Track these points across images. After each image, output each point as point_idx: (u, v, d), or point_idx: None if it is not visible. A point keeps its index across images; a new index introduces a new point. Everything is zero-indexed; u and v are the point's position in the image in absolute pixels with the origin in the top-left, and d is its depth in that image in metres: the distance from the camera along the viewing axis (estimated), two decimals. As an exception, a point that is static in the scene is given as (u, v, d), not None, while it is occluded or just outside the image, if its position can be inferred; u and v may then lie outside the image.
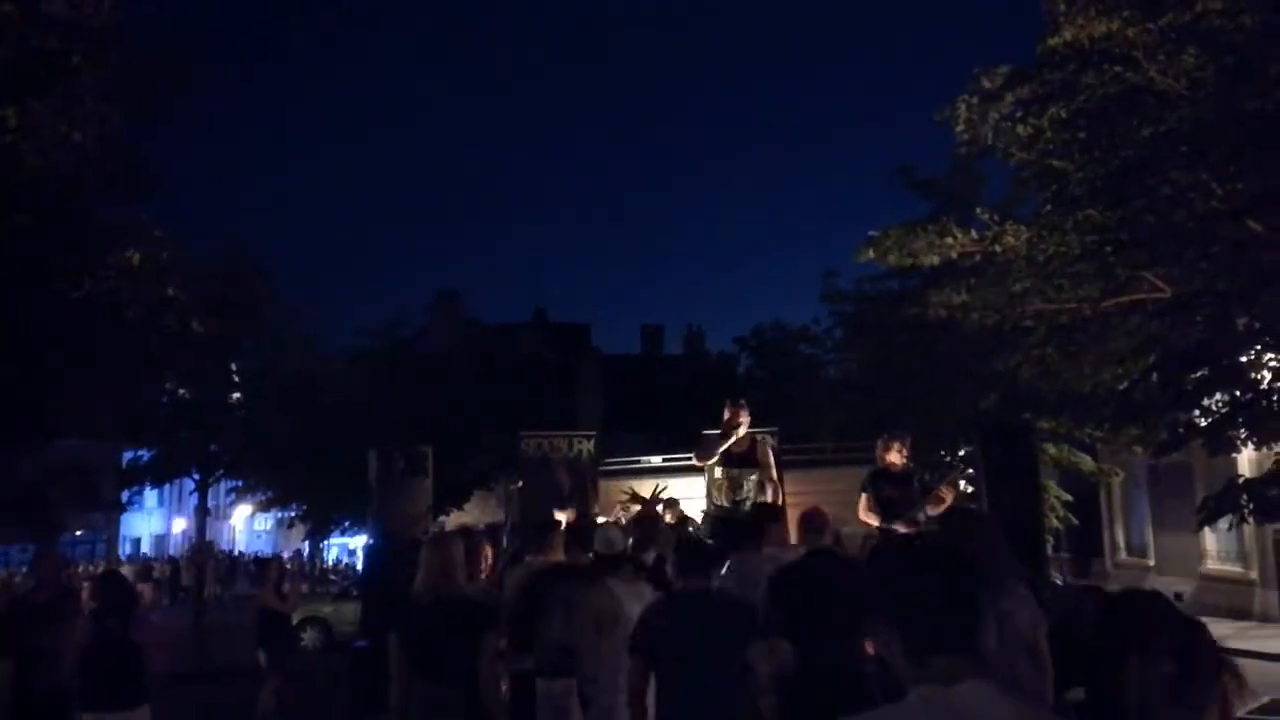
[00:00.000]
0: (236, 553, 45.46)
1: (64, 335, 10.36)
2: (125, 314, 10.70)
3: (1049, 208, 10.38)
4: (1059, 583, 12.99)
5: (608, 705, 5.07)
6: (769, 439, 8.73)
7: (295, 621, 15.86)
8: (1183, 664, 1.87)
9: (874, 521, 7.18)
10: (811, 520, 5.52)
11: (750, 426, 8.40)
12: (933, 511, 7.33)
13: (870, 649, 5.16)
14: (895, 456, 7.53)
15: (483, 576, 6.66)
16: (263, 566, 16.90)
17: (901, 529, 7.02)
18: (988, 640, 1.65)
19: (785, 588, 5.18)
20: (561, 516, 8.08)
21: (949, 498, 7.79)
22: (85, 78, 9.20)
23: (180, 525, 45.83)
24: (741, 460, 8.02)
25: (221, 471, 20.18)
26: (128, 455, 20.93)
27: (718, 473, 8.02)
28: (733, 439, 7.87)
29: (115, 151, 10.18)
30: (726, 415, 8.05)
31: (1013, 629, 3.99)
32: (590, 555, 5.92)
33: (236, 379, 19.10)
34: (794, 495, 9.14)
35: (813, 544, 5.38)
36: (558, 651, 5.61)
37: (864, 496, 7.31)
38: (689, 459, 9.29)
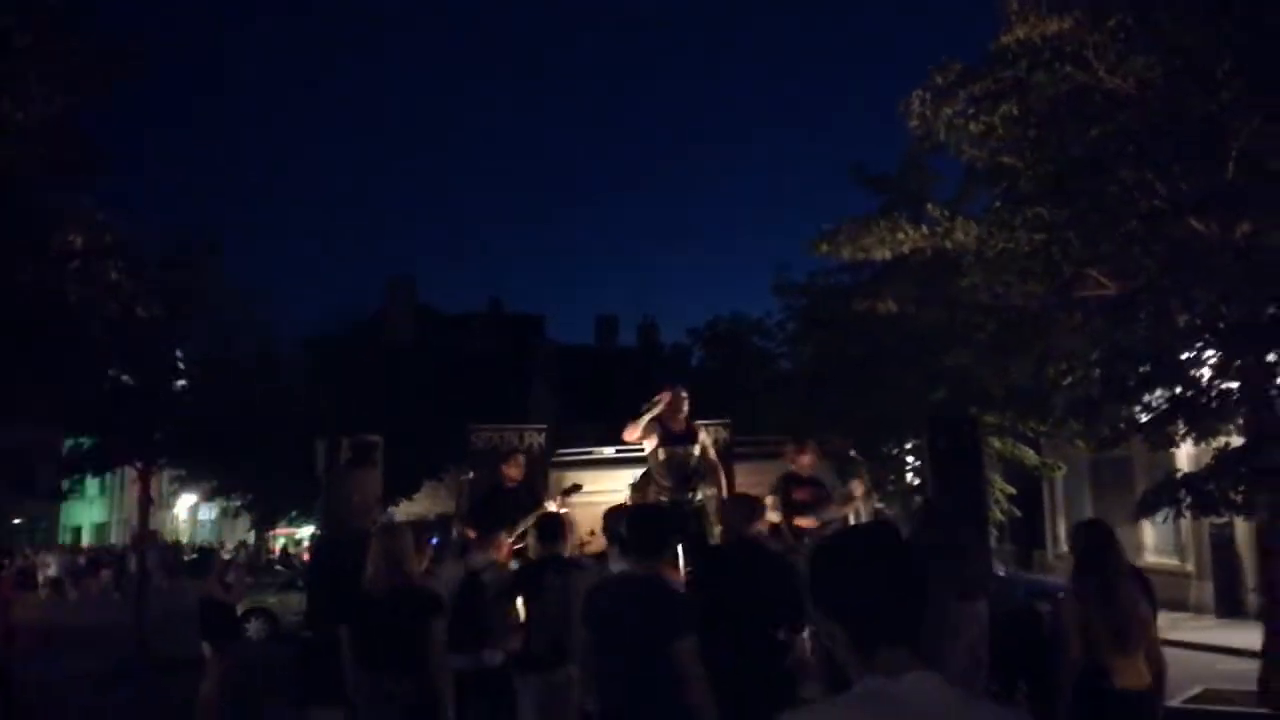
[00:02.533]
0: (182, 541, 44.76)
1: (3, 321, 10.11)
2: (67, 299, 10.45)
3: (999, 204, 10.51)
4: (1002, 574, 13.20)
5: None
6: (718, 429, 8.77)
7: (240, 612, 15.68)
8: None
9: (776, 519, 7.31)
10: (738, 507, 5.61)
11: (703, 418, 8.45)
12: (840, 511, 7.58)
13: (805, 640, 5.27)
14: (806, 460, 7.82)
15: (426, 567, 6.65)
16: (206, 557, 16.67)
17: (804, 524, 7.28)
18: (937, 634, 1.67)
19: (707, 575, 5.22)
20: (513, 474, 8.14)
21: (859, 494, 8.04)
22: (30, 58, 8.94)
23: (121, 513, 45.02)
24: (682, 438, 8.05)
25: (164, 460, 19.82)
26: (68, 442, 20.50)
27: (661, 454, 8.03)
28: (657, 409, 7.88)
29: (60, 134, 9.92)
30: (664, 396, 8.06)
31: (966, 625, 4.08)
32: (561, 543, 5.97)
33: (182, 366, 18.76)
34: (746, 487, 9.18)
35: (740, 532, 5.45)
36: (550, 643, 5.61)
37: (770, 499, 7.42)
38: (640, 451, 9.30)
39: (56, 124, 9.78)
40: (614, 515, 6.19)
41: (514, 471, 8.53)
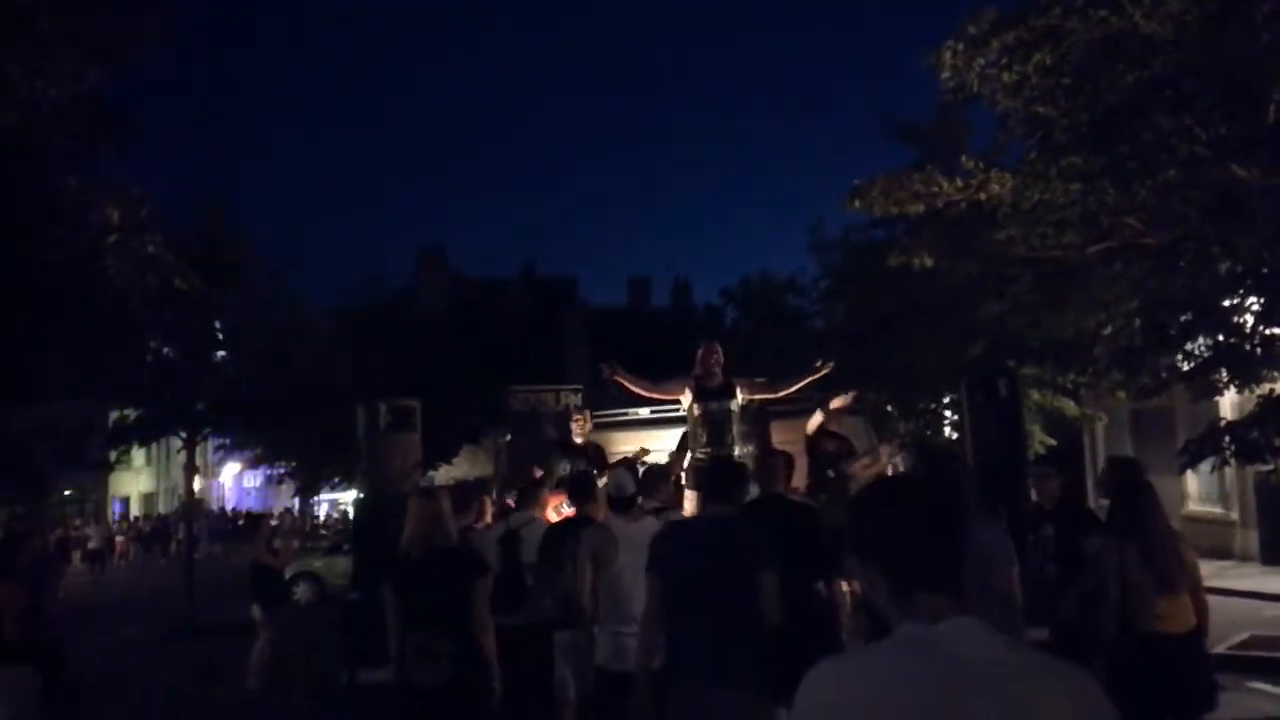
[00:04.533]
0: (229, 509, 45.58)
1: (45, 297, 10.27)
2: (107, 273, 10.60)
3: (1034, 155, 10.35)
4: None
5: (612, 637, 5.15)
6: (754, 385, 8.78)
7: (288, 576, 15.98)
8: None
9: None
10: (768, 464, 5.70)
11: (735, 375, 8.47)
12: (868, 467, 7.62)
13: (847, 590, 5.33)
14: (820, 417, 7.95)
15: (480, 528, 6.76)
16: (253, 523, 16.97)
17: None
18: (969, 580, 1.69)
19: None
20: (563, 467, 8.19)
21: (885, 455, 8.12)
22: (55, 31, 8.99)
23: (168, 483, 45.84)
24: (718, 393, 8.07)
25: (208, 430, 20.14)
26: (114, 415, 20.87)
27: (696, 410, 8.06)
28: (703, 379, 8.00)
29: (90, 110, 10.00)
30: (700, 356, 8.15)
31: (989, 570, 4.09)
32: (592, 503, 6.04)
33: (220, 337, 19.00)
34: (781, 444, 9.19)
35: (770, 488, 5.53)
36: (568, 602, 5.71)
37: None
38: (676, 410, 9.34)
39: (87, 100, 9.85)
40: (613, 472, 6.21)
41: (579, 428, 8.61)
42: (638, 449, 9.09)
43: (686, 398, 8.14)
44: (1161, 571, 4.80)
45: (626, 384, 8.54)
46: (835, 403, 8.07)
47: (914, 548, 1.70)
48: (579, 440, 8.57)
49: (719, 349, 8.27)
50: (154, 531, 37.46)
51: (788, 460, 5.87)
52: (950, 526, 1.74)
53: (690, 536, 4.59)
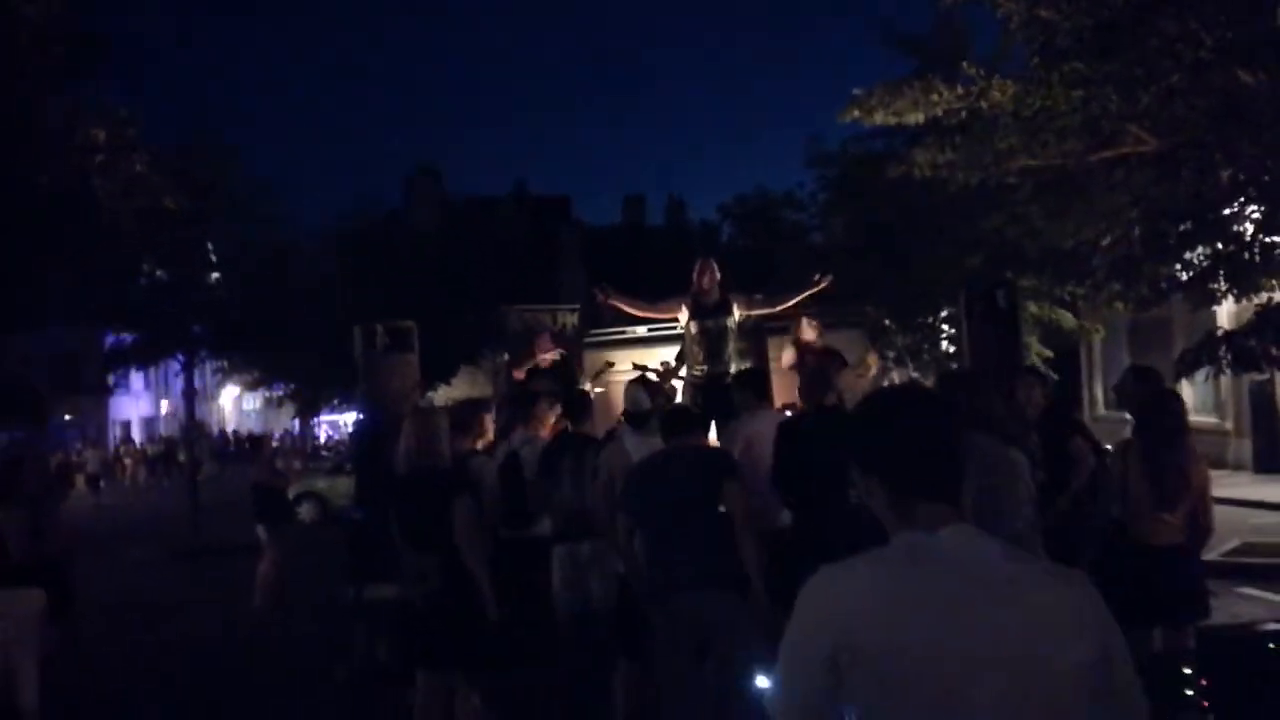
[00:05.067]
0: (229, 431, 45.88)
1: (35, 220, 10.15)
2: (95, 195, 10.46)
3: (1036, 61, 10.13)
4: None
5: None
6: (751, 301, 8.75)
7: (291, 496, 16.14)
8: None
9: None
10: (816, 377, 5.73)
11: (732, 292, 8.42)
12: (855, 381, 7.61)
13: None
14: (811, 334, 7.90)
15: (479, 446, 6.79)
16: (255, 444, 17.07)
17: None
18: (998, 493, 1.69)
19: (790, 442, 5.37)
20: (547, 357, 8.23)
21: (873, 368, 8.14)
22: None
23: (167, 407, 46.06)
24: (715, 310, 8.04)
25: (205, 353, 20.13)
26: (110, 340, 20.84)
27: (693, 328, 8.04)
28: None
29: (69, 25, 9.76)
30: (695, 272, 8.11)
31: (1021, 484, 4.11)
32: (589, 420, 6.09)
33: (214, 259, 18.89)
34: (780, 360, 9.20)
35: (818, 400, 5.57)
36: (569, 518, 5.78)
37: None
38: (673, 328, 9.31)
39: (66, 16, 9.62)
40: (629, 388, 6.25)
41: (545, 349, 8.61)
42: (603, 362, 9.14)
43: (683, 315, 8.11)
44: (1161, 482, 4.79)
45: (623, 305, 8.52)
46: (806, 334, 8.05)
47: (912, 457, 1.69)
48: (546, 363, 8.57)
49: (714, 265, 8.22)
50: (159, 454, 37.73)
51: (827, 373, 5.92)
52: (946, 435, 1.73)
53: (659, 470, 4.78)
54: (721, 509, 4.65)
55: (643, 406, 5.71)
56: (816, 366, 6.18)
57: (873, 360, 8.23)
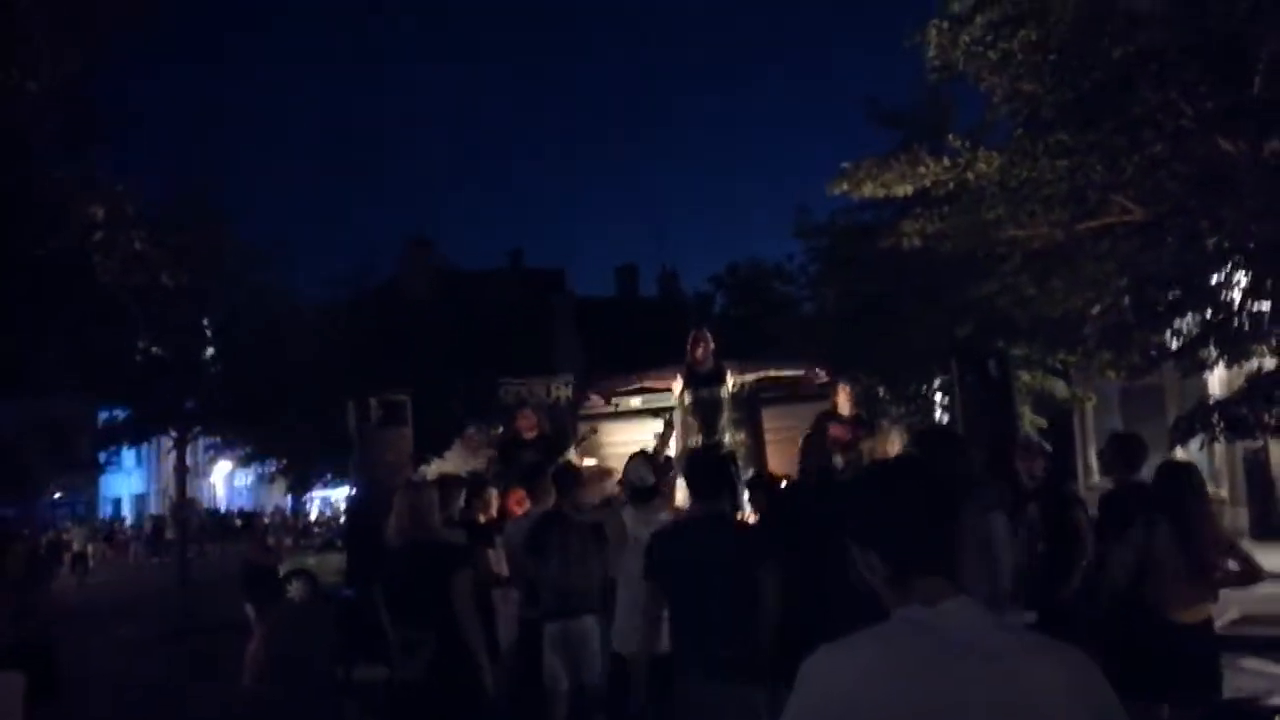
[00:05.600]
0: (220, 509, 45.47)
1: (32, 294, 10.18)
2: (94, 272, 10.51)
3: (1020, 132, 10.32)
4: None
5: (630, 624, 5.16)
6: (743, 384, 8.81)
7: (281, 574, 15.93)
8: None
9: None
10: (815, 442, 5.73)
11: (724, 358, 8.48)
12: (876, 447, 7.61)
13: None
14: (845, 400, 7.90)
15: (482, 519, 6.73)
16: (248, 522, 16.91)
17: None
18: (968, 561, 1.68)
19: (784, 508, 5.31)
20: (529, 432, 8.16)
21: (889, 432, 8.17)
22: (34, 15, 8.87)
23: (159, 484, 45.69)
24: (709, 379, 8.06)
25: (199, 428, 20.06)
26: (103, 415, 20.79)
27: (687, 398, 8.05)
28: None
29: (70, 100, 9.89)
30: (689, 346, 8.17)
31: (998, 547, 4.08)
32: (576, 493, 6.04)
33: (209, 333, 18.92)
34: (774, 431, 9.20)
35: (814, 465, 5.54)
36: (557, 595, 5.71)
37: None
38: (667, 399, 9.32)
39: (65, 91, 9.74)
40: (631, 463, 6.22)
41: (525, 424, 8.56)
42: (586, 429, 9.11)
43: (677, 385, 8.13)
44: (1196, 555, 4.66)
45: (617, 396, 8.51)
46: (841, 400, 8.02)
47: (909, 531, 1.69)
48: (529, 437, 8.51)
49: (708, 336, 8.28)
50: (148, 533, 37.30)
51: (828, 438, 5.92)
52: (945, 510, 1.73)
53: (685, 538, 4.56)
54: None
55: (646, 482, 5.65)
56: (816, 431, 6.17)
57: (885, 424, 8.26)
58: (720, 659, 4.18)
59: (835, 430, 7.72)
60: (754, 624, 4.22)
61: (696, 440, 7.97)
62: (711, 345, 8.21)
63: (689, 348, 8.18)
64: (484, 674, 4.54)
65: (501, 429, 10.51)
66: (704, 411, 8.00)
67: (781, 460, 8.20)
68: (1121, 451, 5.66)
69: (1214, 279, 10.13)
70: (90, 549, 31.33)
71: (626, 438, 9.06)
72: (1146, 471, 5.62)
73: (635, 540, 5.27)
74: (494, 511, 7.03)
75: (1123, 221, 10.16)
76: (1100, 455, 6.03)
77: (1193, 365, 10.56)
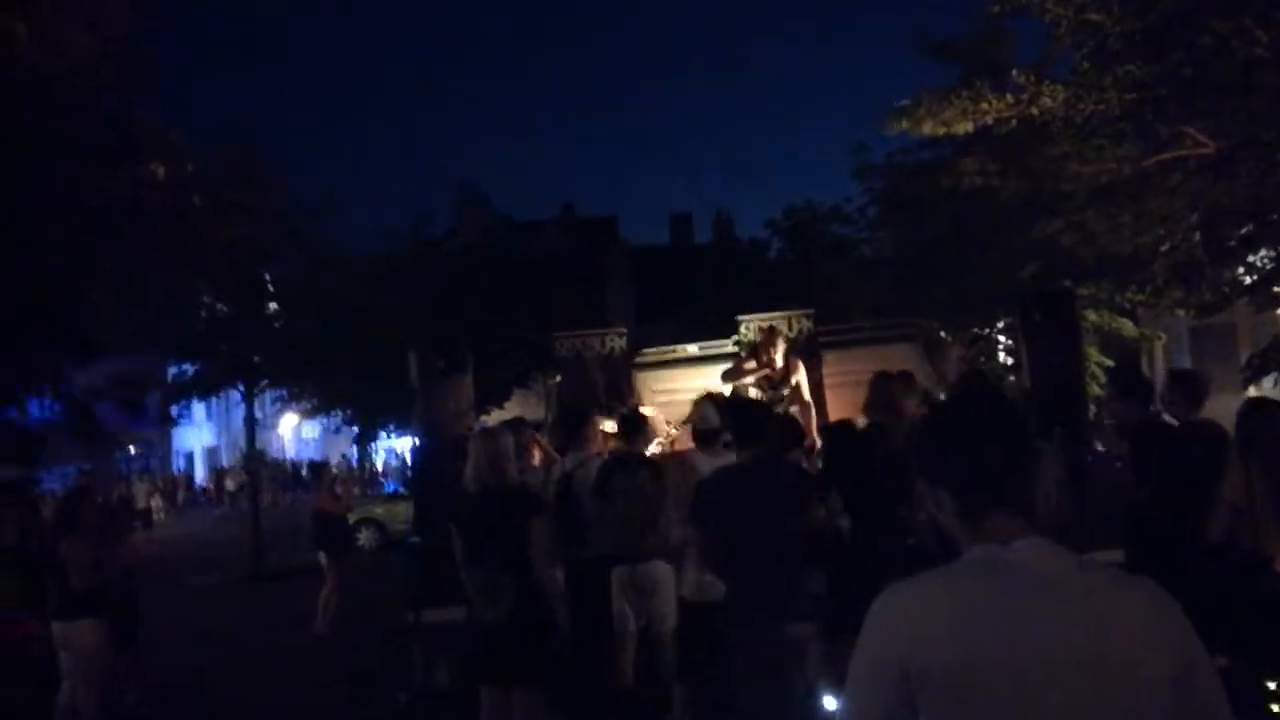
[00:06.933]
0: (289, 461, 46.53)
1: (95, 250, 10.35)
2: (157, 228, 10.66)
3: (1086, 65, 10.00)
4: (1100, 448, 13.01)
5: (696, 569, 5.23)
6: (801, 320, 8.71)
7: (351, 522, 16.30)
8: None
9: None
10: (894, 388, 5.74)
11: (785, 310, 8.42)
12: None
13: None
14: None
15: (534, 467, 6.81)
16: (317, 472, 17.28)
17: None
18: (1043, 499, 1.65)
19: (839, 457, 5.33)
20: (606, 424, 8.07)
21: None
22: None
23: (229, 437, 46.86)
24: (778, 384, 8.09)
25: (265, 381, 20.42)
26: (173, 370, 21.24)
27: (753, 392, 8.05)
28: (762, 373, 7.96)
29: (124, 50, 9.93)
30: (761, 346, 8.12)
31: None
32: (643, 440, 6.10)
33: (271, 289, 19.19)
34: (833, 375, 9.14)
35: (872, 416, 5.54)
36: (626, 537, 5.77)
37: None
38: (725, 345, 9.29)
39: (121, 40, 9.78)
40: (698, 406, 6.24)
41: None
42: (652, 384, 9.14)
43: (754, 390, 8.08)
44: None
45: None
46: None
47: (982, 466, 1.65)
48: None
49: (778, 333, 8.25)
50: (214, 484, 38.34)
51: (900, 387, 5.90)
52: (1017, 446, 1.70)
53: (731, 484, 4.60)
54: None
55: (712, 424, 5.67)
56: (886, 377, 6.13)
57: (952, 349, 8.12)
58: (769, 599, 4.29)
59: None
60: (800, 566, 4.36)
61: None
62: (782, 346, 8.17)
63: (759, 347, 8.15)
64: (560, 617, 4.63)
65: (559, 378, 10.57)
66: (769, 398, 7.99)
67: (844, 407, 8.14)
68: (1185, 388, 5.48)
69: (1289, 212, 9.81)
70: (154, 503, 32.28)
71: (685, 384, 9.06)
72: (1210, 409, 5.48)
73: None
74: (537, 458, 7.11)
75: (1194, 155, 9.84)
76: (1162, 395, 5.83)
77: (1266, 301, 10.27)
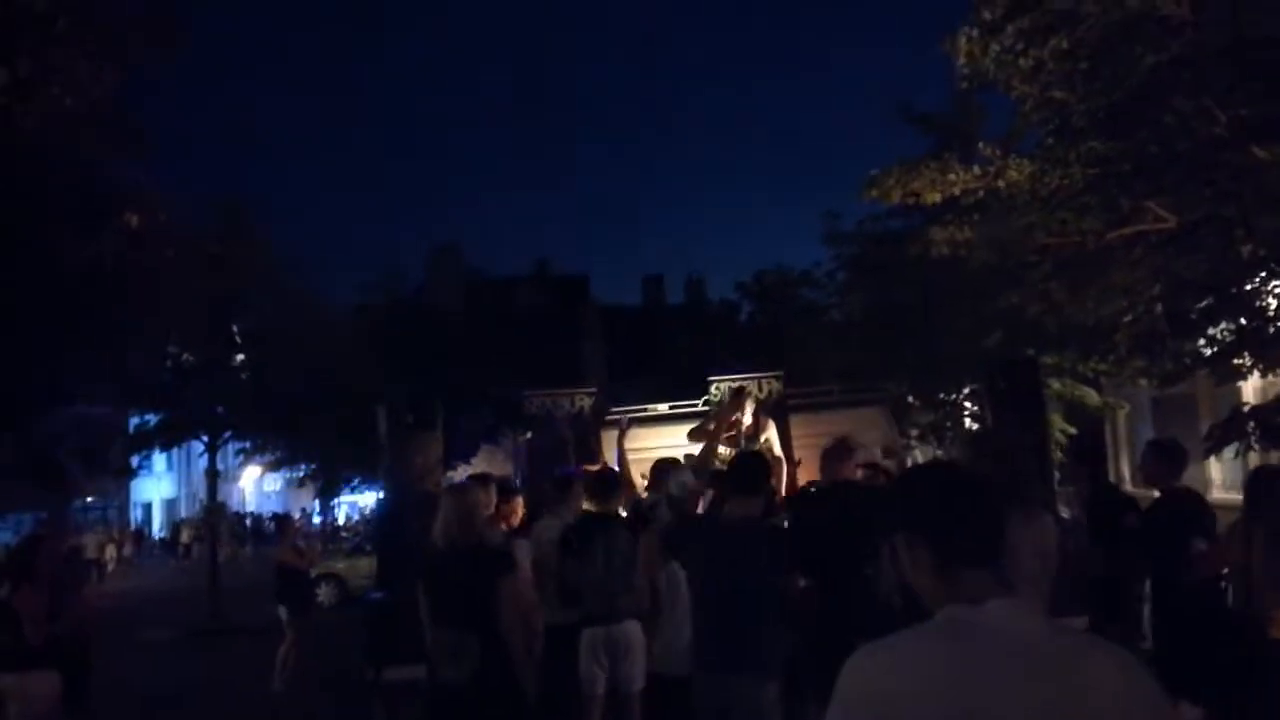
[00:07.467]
0: (249, 514, 45.80)
1: (66, 302, 10.32)
2: (126, 280, 10.64)
3: (1051, 141, 10.24)
4: (1065, 516, 13.12)
5: (670, 638, 5.19)
6: (770, 382, 8.76)
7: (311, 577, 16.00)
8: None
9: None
10: (836, 451, 5.73)
11: (754, 372, 8.47)
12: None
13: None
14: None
15: (504, 527, 6.75)
16: (281, 525, 17.03)
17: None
18: (1020, 561, 1.69)
19: (806, 516, 5.34)
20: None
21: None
22: (72, 34, 9.02)
23: (189, 489, 46.09)
24: (749, 440, 8.11)
25: (229, 434, 20.20)
26: (134, 420, 20.97)
27: (722, 450, 8.06)
28: (728, 433, 7.97)
29: (108, 113, 10.03)
30: (728, 408, 8.15)
31: (1043, 552, 4.05)
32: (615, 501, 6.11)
33: (239, 340, 19.07)
34: (801, 438, 9.19)
35: (834, 474, 5.55)
36: (601, 599, 5.72)
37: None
38: (694, 406, 9.32)
39: (105, 104, 9.88)
40: (660, 467, 6.25)
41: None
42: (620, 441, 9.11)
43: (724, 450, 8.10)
44: None
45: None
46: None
47: (961, 522, 1.69)
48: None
49: (748, 395, 8.29)
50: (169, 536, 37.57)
51: (847, 445, 5.90)
52: (994, 507, 1.74)
53: (715, 534, 4.62)
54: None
55: (685, 492, 5.70)
56: (835, 442, 6.16)
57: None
58: (746, 656, 4.29)
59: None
60: (773, 625, 4.36)
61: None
62: (750, 408, 8.20)
63: (724, 412, 8.14)
64: (525, 679, 4.56)
65: (529, 434, 10.55)
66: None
67: (810, 469, 8.19)
68: (1164, 458, 5.57)
69: (1248, 286, 10.02)
70: (108, 554, 31.54)
71: (655, 443, 9.06)
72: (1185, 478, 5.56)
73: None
74: (518, 519, 7.06)
75: (1156, 229, 10.06)
76: (1141, 464, 5.90)
77: (1226, 373, 10.42)
